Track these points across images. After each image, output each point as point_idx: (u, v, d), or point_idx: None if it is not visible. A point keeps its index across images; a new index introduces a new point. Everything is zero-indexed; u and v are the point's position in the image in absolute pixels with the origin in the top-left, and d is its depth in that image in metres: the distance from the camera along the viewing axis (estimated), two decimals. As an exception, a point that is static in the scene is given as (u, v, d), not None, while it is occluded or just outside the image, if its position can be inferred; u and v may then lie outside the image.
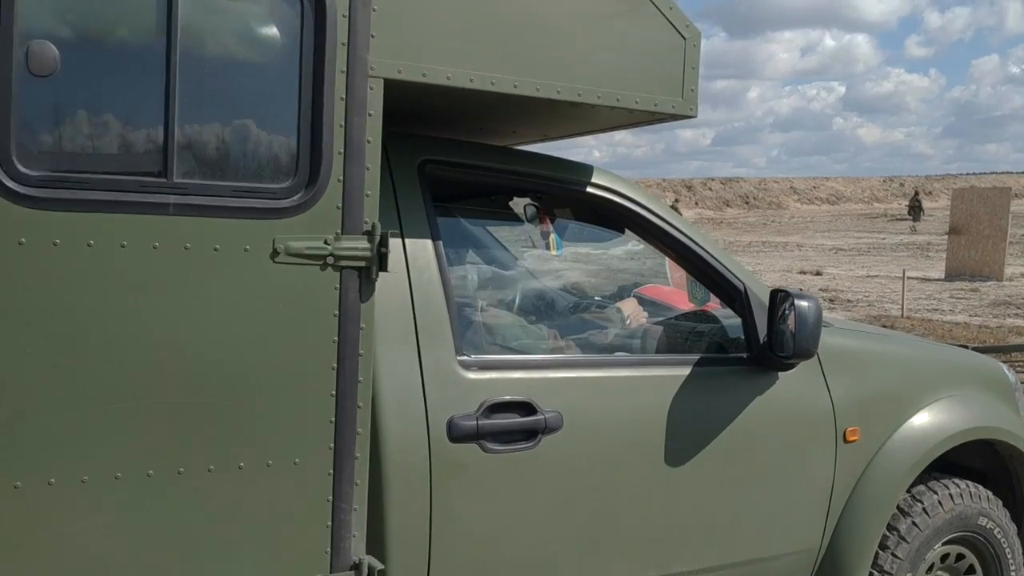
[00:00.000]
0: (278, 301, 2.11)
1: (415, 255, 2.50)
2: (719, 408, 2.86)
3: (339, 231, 2.17)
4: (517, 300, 3.15)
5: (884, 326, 12.29)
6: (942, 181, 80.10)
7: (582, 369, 2.71)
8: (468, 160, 2.72)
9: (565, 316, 3.32)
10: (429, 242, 2.53)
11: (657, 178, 71.80)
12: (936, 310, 14.95)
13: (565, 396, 2.61)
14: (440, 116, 2.85)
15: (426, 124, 2.92)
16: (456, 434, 2.44)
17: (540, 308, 3.25)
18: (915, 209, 40.57)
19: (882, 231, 40.29)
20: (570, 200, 3.14)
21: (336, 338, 2.18)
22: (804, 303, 2.81)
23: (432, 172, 2.63)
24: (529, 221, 3.46)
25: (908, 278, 15.79)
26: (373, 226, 2.20)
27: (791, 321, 2.86)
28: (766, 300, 2.96)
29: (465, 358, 2.52)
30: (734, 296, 3.00)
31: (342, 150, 2.16)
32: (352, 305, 2.19)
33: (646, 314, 3.36)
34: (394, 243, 2.44)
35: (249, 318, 2.08)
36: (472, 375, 2.50)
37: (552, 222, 3.42)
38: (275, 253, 2.10)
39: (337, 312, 2.18)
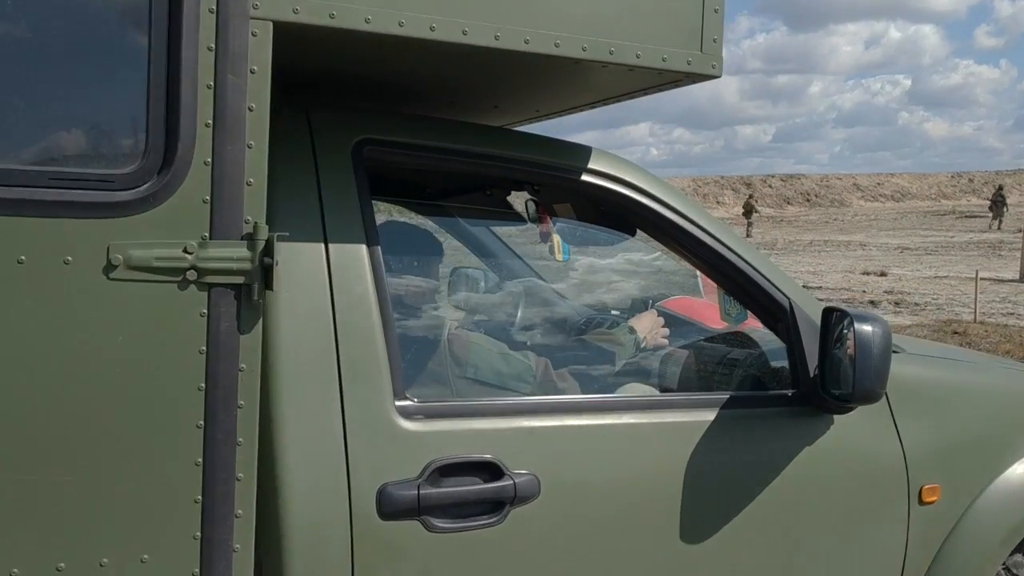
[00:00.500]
0: (115, 334, 1.51)
1: (342, 265, 1.87)
2: (755, 464, 2.18)
3: (206, 234, 1.56)
4: (501, 320, 2.51)
5: (956, 332, 11.34)
6: (1014, 176, 76.97)
7: (569, 415, 2.04)
8: (424, 140, 2.08)
9: (564, 338, 2.66)
10: (363, 248, 1.90)
11: (715, 175, 70.39)
12: (1012, 314, 13.85)
13: (544, 453, 1.97)
14: (392, 86, 2.23)
15: (375, 97, 2.30)
16: (390, 508, 1.81)
17: (530, 330, 2.60)
18: (997, 204, 38.36)
19: (950, 229, 38.56)
20: (565, 192, 2.48)
21: (203, 384, 1.56)
22: (867, 327, 2.11)
23: (372, 156, 2.00)
24: (531, 220, 2.82)
25: (980, 279, 14.71)
26: (255, 227, 1.58)
27: (850, 349, 2.17)
28: (818, 320, 2.27)
29: (406, 403, 1.88)
30: (777, 315, 2.31)
31: (211, 121, 1.55)
32: (226, 337, 1.58)
33: (667, 331, 2.69)
34: (312, 250, 1.84)
35: (71, 359, 1.48)
36: (415, 426, 1.87)
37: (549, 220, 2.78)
38: (110, 266, 1.50)
39: (204, 348, 1.56)
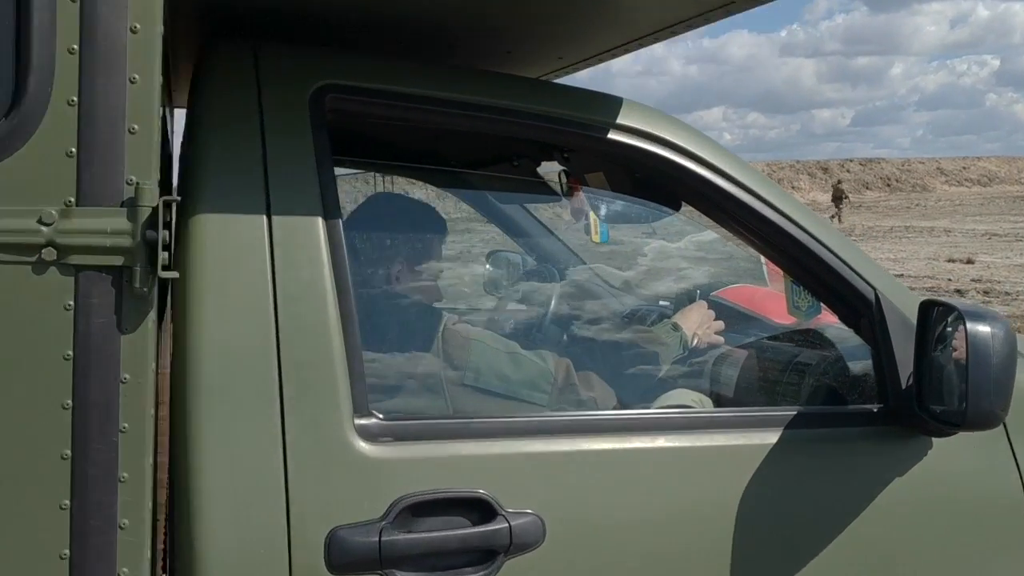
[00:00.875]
0: (-59, 333, 1.12)
1: (288, 244, 1.46)
2: (830, 501, 1.70)
3: (71, 199, 1.15)
4: (526, 313, 2.07)
5: (1053, 324, 10.47)
6: (1112, 160, 73.16)
7: (586, 436, 1.59)
8: (408, 88, 1.64)
9: (596, 335, 2.21)
10: (317, 223, 1.49)
11: (791, 160, 68.54)
12: (1115, 305, 12.83)
13: (550, 486, 1.52)
14: (377, 30, 1.80)
15: (357, 48, 1.87)
16: (344, 558, 1.39)
17: (556, 324, 2.15)
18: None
19: (1043, 214, 36.62)
20: (591, 155, 2.02)
21: (70, 401, 1.17)
22: (984, 328, 1.60)
23: (338, 107, 1.58)
24: (565, 195, 2.38)
25: (1080, 267, 13.68)
26: (139, 190, 1.17)
27: (957, 352, 1.68)
28: (913, 316, 1.77)
29: (369, 421, 1.46)
30: (859, 308, 1.82)
31: (76, 45, 1.14)
32: (102, 338, 1.17)
33: (720, 326, 2.21)
34: (249, 225, 1.44)
35: None
36: (379, 451, 1.45)
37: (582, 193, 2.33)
38: (-65, 242, 1.11)
39: (71, 352, 1.16)
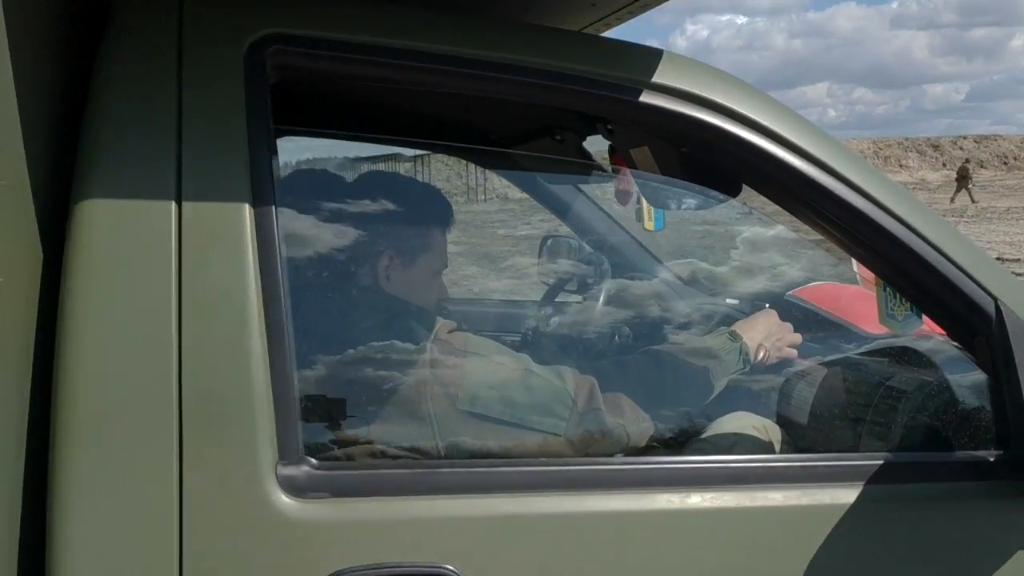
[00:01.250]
0: None
1: (201, 240, 1.13)
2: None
3: None
4: (527, 317, 1.70)
5: None
6: None
7: (589, 493, 1.21)
8: (374, 38, 1.28)
9: (625, 343, 1.82)
10: (244, 211, 1.15)
11: (899, 136, 65.59)
12: None
13: (537, 559, 1.16)
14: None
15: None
16: (257, 653, 1.06)
17: (571, 331, 1.77)
18: None
19: None
20: (622, 124, 1.62)
21: None
22: None
23: (282, 63, 1.23)
24: (613, 171, 2.01)
25: None
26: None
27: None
28: (1048, 336, 1.32)
29: (297, 470, 1.12)
30: (974, 324, 1.38)
31: None
32: None
33: (797, 339, 1.79)
34: (148, 215, 1.12)
35: None
36: (309, 510, 1.10)
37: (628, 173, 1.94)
38: None
39: None
